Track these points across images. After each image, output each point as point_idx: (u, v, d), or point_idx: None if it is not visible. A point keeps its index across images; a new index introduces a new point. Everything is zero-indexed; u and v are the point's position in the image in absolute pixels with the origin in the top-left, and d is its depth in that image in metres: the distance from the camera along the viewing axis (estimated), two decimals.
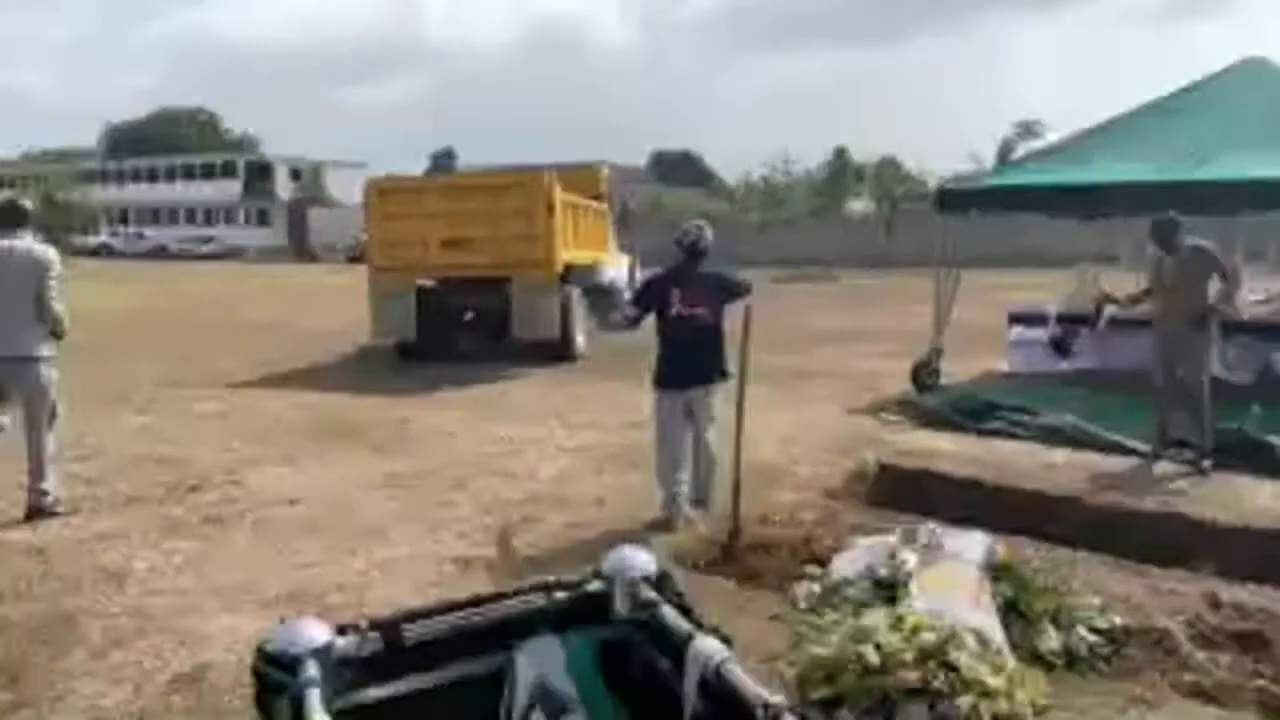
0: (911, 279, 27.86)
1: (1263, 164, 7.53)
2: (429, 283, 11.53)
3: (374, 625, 2.33)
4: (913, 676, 2.80)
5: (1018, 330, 10.61)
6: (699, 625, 2.39)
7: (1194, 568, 4.29)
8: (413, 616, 2.40)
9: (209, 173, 56.79)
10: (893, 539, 3.67)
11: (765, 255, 30.74)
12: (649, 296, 5.36)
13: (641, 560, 2.67)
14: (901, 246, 36.75)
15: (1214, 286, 6.16)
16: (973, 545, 3.67)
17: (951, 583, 3.45)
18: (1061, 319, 10.45)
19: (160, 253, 46.96)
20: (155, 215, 57.16)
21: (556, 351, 11.26)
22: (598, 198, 13.73)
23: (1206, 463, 6.03)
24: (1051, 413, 7.41)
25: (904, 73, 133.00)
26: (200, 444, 7.11)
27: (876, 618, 3.06)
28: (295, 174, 57.61)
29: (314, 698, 1.95)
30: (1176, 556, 4.52)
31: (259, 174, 57.10)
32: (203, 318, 17.80)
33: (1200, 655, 3.32)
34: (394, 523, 5.13)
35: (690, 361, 5.20)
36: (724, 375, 5.23)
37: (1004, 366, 10.47)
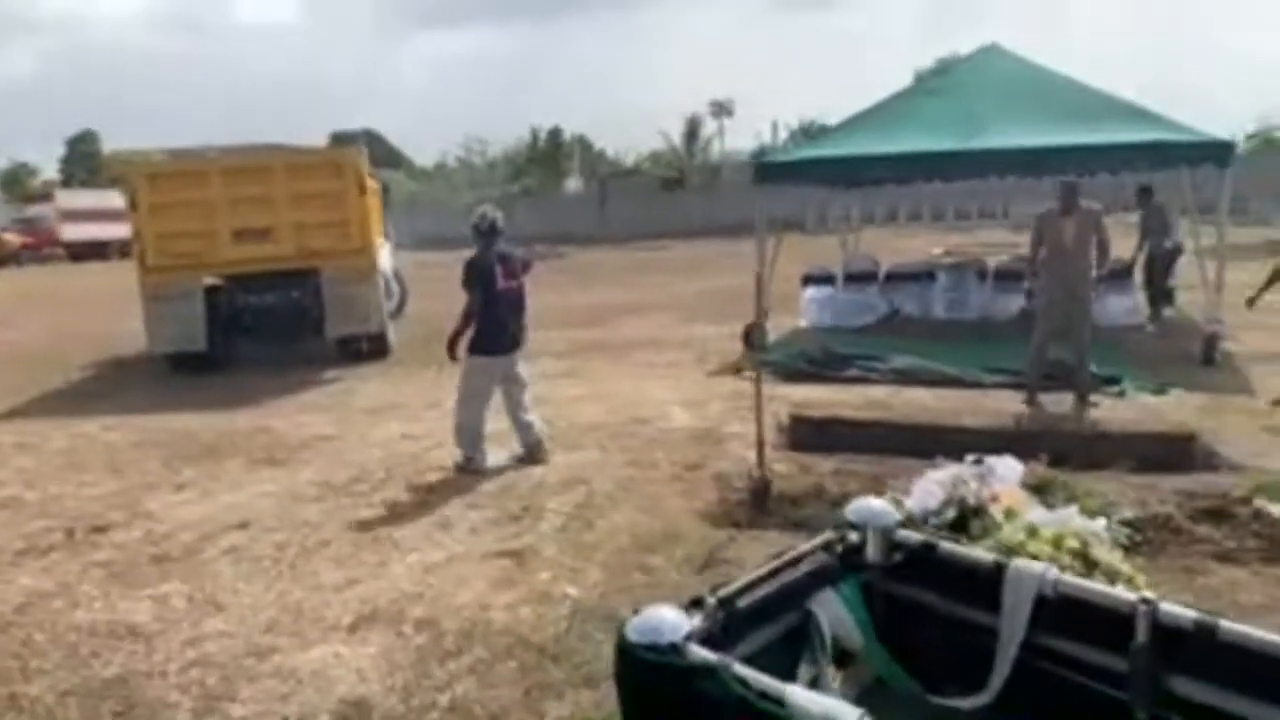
0: (634, 253, 29.27)
1: (1024, 134, 8.99)
2: (216, 281, 10.35)
3: (720, 602, 2.42)
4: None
5: (811, 290, 11.72)
6: None
7: (1113, 468, 5.18)
8: (741, 589, 2.51)
9: None
10: (954, 470, 4.11)
11: None
12: (481, 277, 5.73)
13: (882, 508, 2.90)
14: (613, 222, 38.31)
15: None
16: (1011, 469, 4.21)
17: (1015, 500, 3.96)
18: (849, 277, 11.72)
19: None
20: None
21: (372, 346, 10.55)
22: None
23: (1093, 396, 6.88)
24: (894, 357, 8.37)
25: (571, 53, 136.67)
26: (42, 481, 6.02)
27: (1010, 533, 3.48)
28: None
29: (749, 671, 2.03)
30: (1087, 462, 5.42)
31: None
32: None
33: (1199, 530, 4.10)
34: (390, 530, 4.76)
35: (514, 329, 5.92)
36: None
37: (801, 323, 11.52)
